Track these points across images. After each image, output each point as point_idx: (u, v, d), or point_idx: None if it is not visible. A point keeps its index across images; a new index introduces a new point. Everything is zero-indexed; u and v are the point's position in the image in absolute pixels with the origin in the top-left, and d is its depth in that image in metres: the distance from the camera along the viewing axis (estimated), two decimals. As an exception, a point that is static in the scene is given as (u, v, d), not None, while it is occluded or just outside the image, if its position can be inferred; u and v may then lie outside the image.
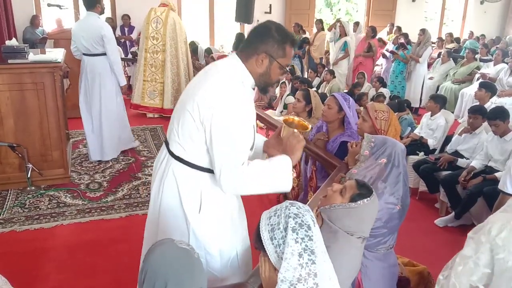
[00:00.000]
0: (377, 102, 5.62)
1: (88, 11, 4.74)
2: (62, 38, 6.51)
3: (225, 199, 1.93)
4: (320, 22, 9.44)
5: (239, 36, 8.76)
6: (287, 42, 1.84)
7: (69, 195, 4.27)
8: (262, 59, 1.83)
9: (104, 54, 4.78)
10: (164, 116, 6.95)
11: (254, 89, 2.01)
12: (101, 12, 4.85)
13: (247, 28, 9.74)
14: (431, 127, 4.81)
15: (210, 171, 1.84)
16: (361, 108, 4.50)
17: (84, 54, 4.84)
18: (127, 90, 7.26)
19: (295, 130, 1.97)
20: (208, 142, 1.77)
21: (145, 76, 6.89)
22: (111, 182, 4.61)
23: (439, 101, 4.90)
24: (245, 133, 1.81)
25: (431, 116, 4.87)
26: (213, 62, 2.13)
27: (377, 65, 9.28)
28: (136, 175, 4.81)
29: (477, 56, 8.60)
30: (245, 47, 1.88)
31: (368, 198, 1.83)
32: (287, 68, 1.96)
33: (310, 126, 2.18)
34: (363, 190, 1.86)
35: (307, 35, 9.46)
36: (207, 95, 1.76)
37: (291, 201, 1.55)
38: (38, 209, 3.99)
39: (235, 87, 1.81)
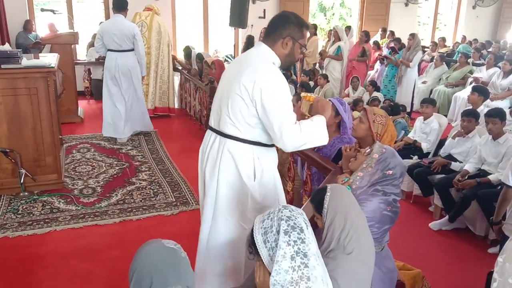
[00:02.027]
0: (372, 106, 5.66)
1: (116, 13, 5.62)
2: (56, 43, 6.50)
3: (270, 164, 2.34)
4: (313, 27, 9.44)
5: (249, 39, 8.83)
6: (303, 25, 2.27)
7: (63, 201, 4.24)
8: (287, 42, 2.23)
9: (132, 50, 5.70)
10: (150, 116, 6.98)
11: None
12: (125, 15, 5.70)
13: (241, 33, 9.76)
14: (424, 131, 4.84)
15: (259, 143, 2.24)
16: (353, 113, 4.51)
17: (112, 50, 5.66)
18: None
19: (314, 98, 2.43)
20: (261, 113, 2.11)
21: None
22: (105, 187, 4.59)
23: (428, 101, 4.96)
24: (289, 97, 2.18)
25: (425, 120, 4.89)
26: (244, 52, 2.47)
27: (371, 69, 9.32)
28: (130, 180, 4.79)
29: (470, 60, 8.66)
30: (269, 34, 2.27)
31: (327, 193, 1.82)
32: (305, 48, 2.41)
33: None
34: (317, 195, 1.86)
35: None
36: (251, 76, 2.11)
37: (284, 204, 1.56)
38: (31, 215, 3.96)
39: (271, 65, 2.19)
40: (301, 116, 2.46)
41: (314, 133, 2.17)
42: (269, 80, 2.11)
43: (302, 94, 2.54)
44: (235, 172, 2.25)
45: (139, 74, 5.94)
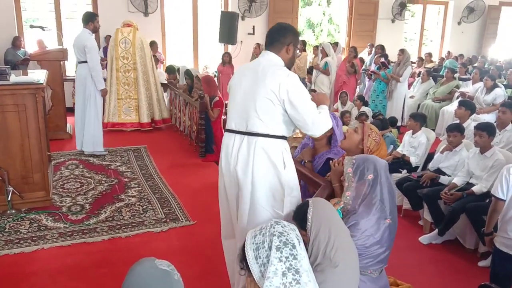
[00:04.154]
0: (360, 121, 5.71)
1: (83, 28, 5.72)
2: (44, 60, 6.48)
3: (290, 153, 2.63)
4: (302, 43, 9.56)
5: (228, 55, 8.90)
6: (297, 33, 2.69)
7: (51, 218, 4.19)
8: (290, 48, 2.60)
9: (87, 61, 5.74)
10: (142, 130, 7.37)
11: None
12: (94, 29, 5.77)
13: (231, 49, 9.82)
14: (413, 145, 4.88)
15: (284, 138, 2.57)
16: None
17: (77, 62, 5.90)
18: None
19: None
20: (290, 109, 2.44)
21: (119, 94, 7.32)
22: (93, 204, 4.54)
23: (419, 119, 4.99)
24: (306, 91, 2.55)
25: (413, 134, 4.94)
26: (256, 60, 2.72)
27: (359, 84, 9.41)
28: (119, 196, 4.75)
29: (456, 75, 8.79)
30: (273, 43, 2.59)
31: (309, 207, 1.83)
32: (299, 50, 2.96)
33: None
34: (300, 210, 1.88)
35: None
36: (275, 80, 2.44)
37: (276, 220, 1.55)
38: (18, 233, 3.90)
39: (285, 69, 2.56)
40: None
41: (328, 117, 2.59)
42: (291, 81, 2.46)
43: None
44: (269, 164, 2.52)
45: (93, 87, 5.80)
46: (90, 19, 5.69)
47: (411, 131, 5.00)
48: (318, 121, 2.51)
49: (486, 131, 3.88)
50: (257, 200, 2.55)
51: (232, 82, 2.74)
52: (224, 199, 2.77)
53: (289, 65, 2.67)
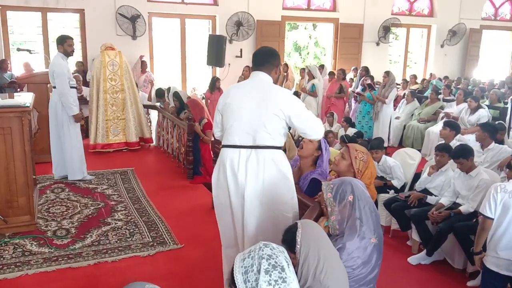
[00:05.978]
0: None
1: (57, 52, 5.60)
2: (31, 82, 6.46)
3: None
4: (285, 65, 9.72)
5: (214, 79, 8.98)
6: (279, 57, 3.01)
7: (35, 243, 4.10)
8: (277, 70, 2.95)
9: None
10: (130, 149, 7.51)
11: None
12: (65, 52, 5.55)
13: (219, 71, 9.90)
14: (385, 172, 4.83)
15: (282, 148, 2.85)
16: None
17: (52, 87, 5.67)
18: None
19: None
20: (297, 121, 2.74)
21: (107, 115, 7.37)
22: (79, 228, 4.46)
23: (375, 147, 4.95)
24: None
25: (378, 162, 4.86)
26: (251, 80, 2.92)
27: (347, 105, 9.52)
28: (106, 220, 4.68)
29: (440, 96, 8.94)
30: (264, 64, 2.85)
31: (298, 229, 1.84)
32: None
33: None
34: (288, 233, 1.90)
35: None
36: (281, 99, 2.74)
37: (265, 242, 1.54)
38: (1, 259, 3.81)
39: (282, 88, 3.01)
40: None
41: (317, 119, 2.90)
42: (291, 98, 2.80)
43: None
44: (277, 173, 2.75)
45: (65, 115, 5.59)
46: (60, 42, 5.51)
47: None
48: (319, 126, 2.83)
49: (461, 157, 3.91)
50: (268, 206, 2.74)
51: (228, 100, 2.88)
52: (226, 209, 2.87)
53: (275, 83, 2.96)
